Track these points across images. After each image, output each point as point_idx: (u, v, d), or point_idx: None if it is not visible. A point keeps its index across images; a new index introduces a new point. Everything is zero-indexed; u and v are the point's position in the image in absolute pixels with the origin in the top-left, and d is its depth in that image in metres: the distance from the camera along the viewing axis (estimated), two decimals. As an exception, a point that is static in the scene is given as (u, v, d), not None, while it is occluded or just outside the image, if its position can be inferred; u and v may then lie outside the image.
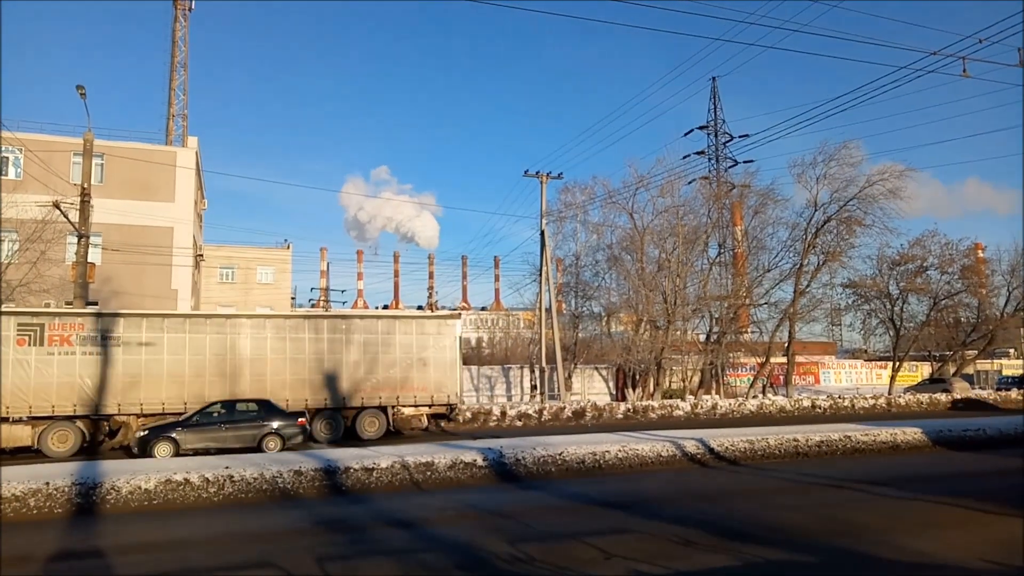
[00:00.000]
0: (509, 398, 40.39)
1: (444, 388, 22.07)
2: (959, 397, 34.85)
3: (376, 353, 21.55)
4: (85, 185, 22.51)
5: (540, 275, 34.45)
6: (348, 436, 20.89)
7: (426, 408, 21.96)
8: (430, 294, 58.90)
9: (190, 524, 9.80)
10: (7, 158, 31.50)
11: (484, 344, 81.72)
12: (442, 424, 23.72)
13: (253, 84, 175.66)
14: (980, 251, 49.63)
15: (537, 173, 33.52)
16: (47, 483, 10.79)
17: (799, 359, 42.46)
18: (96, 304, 26.70)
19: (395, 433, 21.33)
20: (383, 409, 21.37)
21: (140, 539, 8.89)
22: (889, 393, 37.19)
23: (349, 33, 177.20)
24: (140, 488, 11.13)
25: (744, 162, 65.74)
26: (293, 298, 75.09)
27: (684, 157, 50.78)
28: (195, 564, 7.59)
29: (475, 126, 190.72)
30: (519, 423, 27.01)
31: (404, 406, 21.67)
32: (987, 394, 37.58)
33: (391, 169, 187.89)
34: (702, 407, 30.63)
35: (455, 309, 25.37)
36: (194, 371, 19.95)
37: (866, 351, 67.56)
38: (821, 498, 11.02)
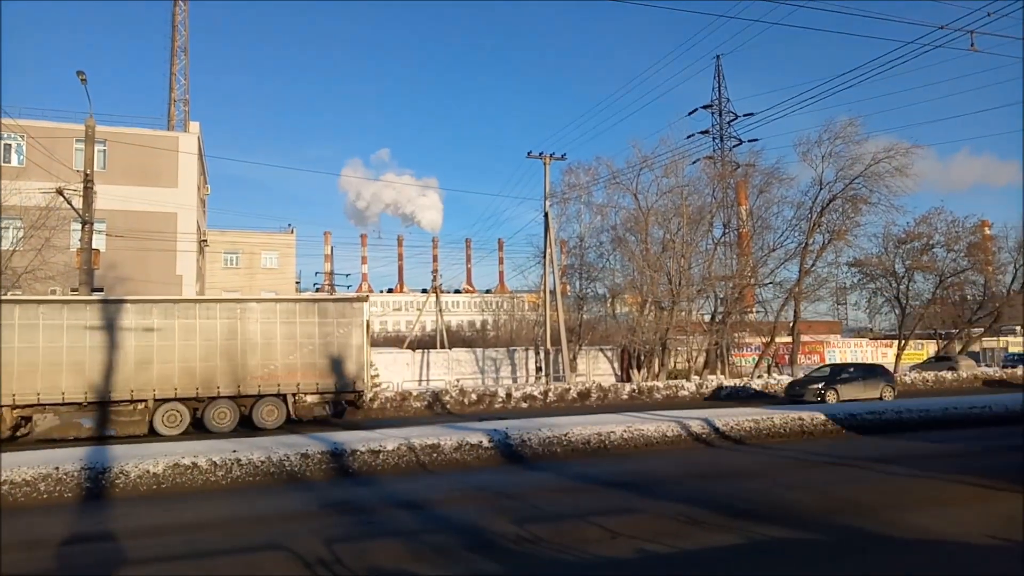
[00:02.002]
0: (514, 380, 40.49)
1: (349, 375, 21.03)
2: (994, 376, 35.12)
3: (275, 339, 20.53)
4: (88, 171, 22.48)
5: (544, 257, 34.37)
6: (245, 425, 19.96)
7: (331, 395, 21.03)
8: (434, 277, 58.88)
9: (199, 507, 9.88)
10: (10, 145, 31.49)
11: (489, 326, 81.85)
12: (351, 409, 22.30)
13: (254, 69, 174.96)
14: (987, 228, 49.36)
15: (540, 154, 33.32)
16: (57, 468, 10.89)
17: (804, 338, 42.42)
18: (102, 290, 26.78)
19: (296, 422, 20.32)
20: (282, 397, 20.41)
21: (150, 523, 8.97)
22: (895, 372, 37.15)
23: (349, 16, 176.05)
24: (149, 472, 11.22)
25: (749, 141, 65.01)
26: (298, 283, 75.25)
27: (688, 136, 50.56)
28: (205, 547, 7.65)
29: (477, 108, 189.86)
30: (524, 405, 27.12)
31: (306, 394, 20.69)
32: (993, 372, 37.54)
33: (393, 153, 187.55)
34: (707, 387, 30.69)
35: (361, 293, 23.68)
36: (72, 361, 18.71)
37: (871, 330, 67.47)
38: (826, 476, 11.06)
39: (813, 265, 36.61)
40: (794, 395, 25.64)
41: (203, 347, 19.94)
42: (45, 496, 10.50)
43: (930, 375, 34.91)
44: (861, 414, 17.16)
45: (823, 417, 16.57)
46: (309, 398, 20.77)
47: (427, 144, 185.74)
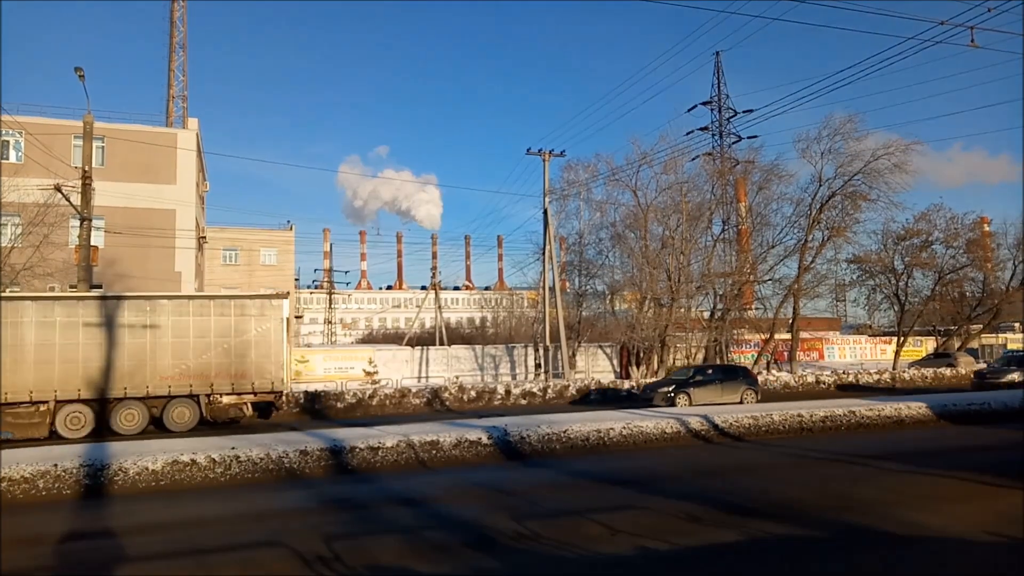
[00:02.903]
0: (513, 377, 40.50)
1: (267, 374, 20.31)
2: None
3: (187, 337, 19.80)
4: (86, 168, 22.43)
5: (543, 254, 34.37)
6: (158, 427, 19.41)
7: (250, 396, 20.30)
8: (433, 274, 58.86)
9: (198, 504, 9.88)
10: (8, 142, 31.42)
11: (488, 323, 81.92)
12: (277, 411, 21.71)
13: (253, 65, 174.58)
14: (986, 224, 49.38)
15: (539, 151, 33.30)
16: (55, 465, 10.88)
17: (803, 335, 42.39)
18: (100, 287, 26.76)
19: (211, 423, 19.80)
20: (195, 398, 19.73)
21: (149, 520, 8.95)
22: (893, 368, 37.18)
23: (348, 12, 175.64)
24: (147, 469, 11.21)
25: (748, 138, 64.94)
26: (297, 279, 75.26)
27: (688, 133, 50.40)
28: (204, 543, 7.64)
29: (477, 105, 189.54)
30: (523, 401, 27.13)
31: (221, 394, 19.95)
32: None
33: (392, 150, 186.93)
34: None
35: (282, 290, 22.31)
36: None
37: (871, 326, 67.51)
38: (826, 473, 11.06)
39: (812, 262, 36.62)
40: (646, 398, 23.77)
41: (109, 346, 19.10)
42: (44, 493, 10.49)
43: (929, 372, 34.93)
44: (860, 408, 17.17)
45: (823, 414, 16.56)
46: (225, 399, 20.02)
47: (426, 141, 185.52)
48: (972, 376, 29.78)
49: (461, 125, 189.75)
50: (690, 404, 22.09)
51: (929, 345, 51.05)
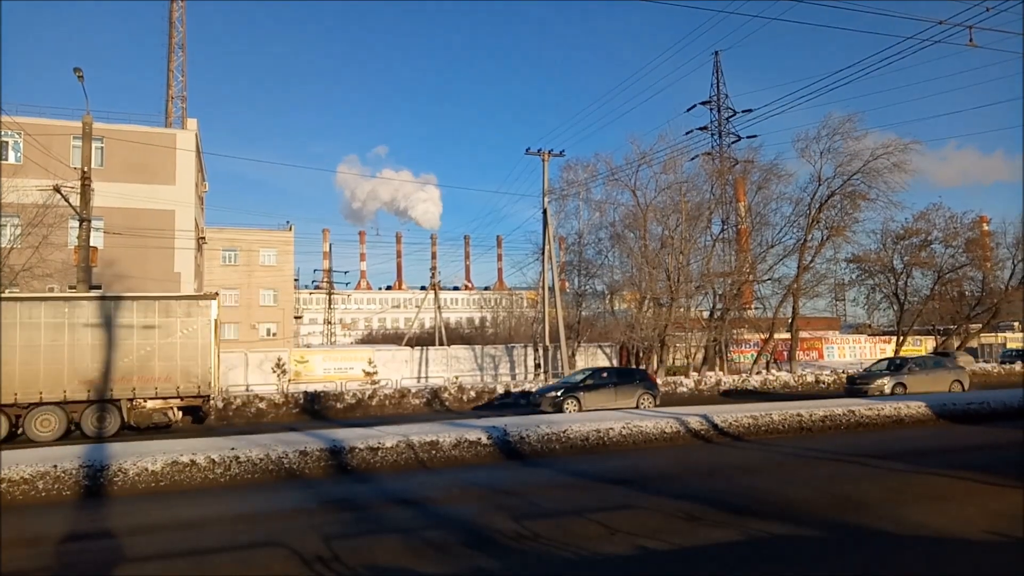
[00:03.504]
0: (513, 377, 40.50)
1: (194, 378, 19.78)
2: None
3: (108, 339, 19.19)
4: (85, 169, 22.44)
5: (543, 254, 34.36)
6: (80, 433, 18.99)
7: (176, 400, 19.73)
8: (433, 274, 58.85)
9: (197, 505, 9.88)
10: (7, 142, 31.41)
11: (487, 323, 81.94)
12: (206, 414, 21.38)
13: (252, 66, 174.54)
14: (985, 224, 49.39)
15: (539, 151, 33.31)
16: (55, 466, 10.87)
17: (803, 334, 42.44)
18: (100, 288, 26.74)
19: (134, 429, 19.38)
20: (115, 403, 19.17)
21: (148, 520, 8.95)
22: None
23: (347, 13, 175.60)
24: (147, 470, 11.21)
25: (747, 137, 65.09)
26: (296, 280, 75.25)
27: (687, 133, 50.44)
28: (204, 544, 7.64)
29: (476, 105, 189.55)
30: (523, 402, 27.12)
31: (144, 398, 19.41)
32: (991, 367, 37.58)
33: (391, 150, 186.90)
34: (706, 383, 30.74)
35: (210, 291, 21.18)
36: None
37: (870, 326, 67.52)
38: (825, 472, 11.06)
39: (812, 261, 36.66)
40: (534, 403, 22.64)
41: (23, 349, 18.54)
42: (44, 494, 10.49)
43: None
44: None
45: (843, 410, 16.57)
46: (149, 403, 19.48)
47: (425, 141, 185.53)
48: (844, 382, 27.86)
49: (460, 125, 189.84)
50: (580, 410, 21.13)
51: (929, 344, 51.07)
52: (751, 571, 6.39)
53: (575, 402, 21.60)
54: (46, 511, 9.64)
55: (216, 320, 20.30)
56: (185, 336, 19.91)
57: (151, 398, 19.52)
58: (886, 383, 23.70)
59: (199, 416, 20.68)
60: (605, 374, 23.68)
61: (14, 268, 25.76)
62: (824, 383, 31.54)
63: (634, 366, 38.14)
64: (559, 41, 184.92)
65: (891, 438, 14.92)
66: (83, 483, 10.79)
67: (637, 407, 21.52)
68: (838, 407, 17.32)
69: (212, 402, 20.61)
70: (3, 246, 25.91)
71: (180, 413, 20.08)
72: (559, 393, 21.91)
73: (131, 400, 19.32)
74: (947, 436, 15.19)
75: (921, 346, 52.03)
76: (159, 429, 19.53)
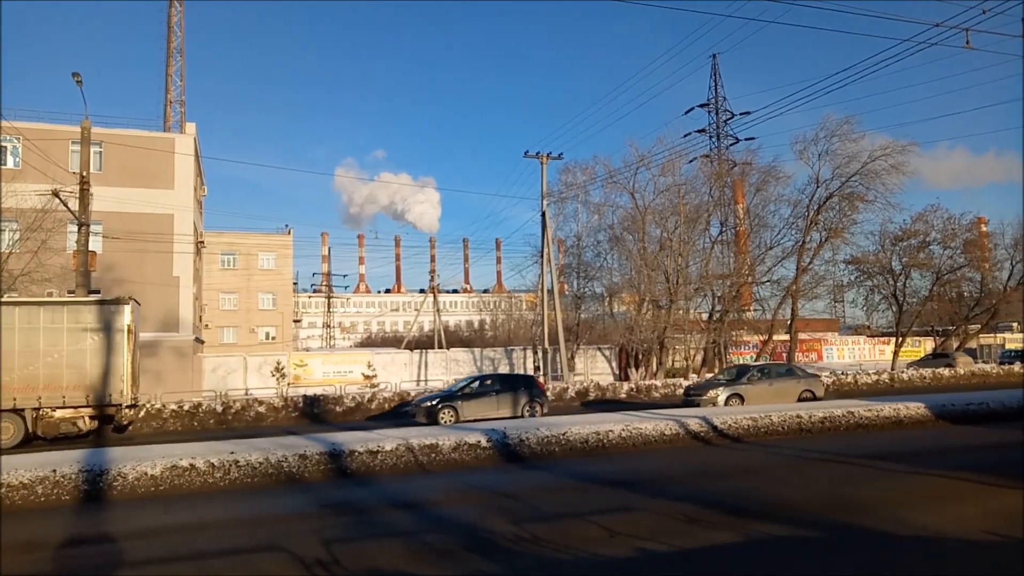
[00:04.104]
0: (512, 380, 40.43)
1: (105, 387, 18.82)
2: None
3: (12, 346, 18.28)
4: (84, 173, 22.44)
5: (542, 256, 34.41)
6: None
7: (86, 410, 18.75)
8: (432, 277, 58.89)
9: (197, 509, 9.86)
10: (5, 147, 31.41)
11: (487, 326, 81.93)
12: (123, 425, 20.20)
13: (250, 70, 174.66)
14: (983, 225, 49.44)
15: (537, 154, 33.36)
16: (54, 471, 10.86)
17: (802, 336, 42.53)
18: (99, 292, 26.73)
19: (42, 440, 18.53)
20: (19, 412, 18.24)
21: (148, 525, 8.94)
22: (892, 369, 37.23)
23: (343, 16, 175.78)
24: (146, 474, 11.20)
25: (745, 140, 65.25)
26: (295, 283, 75.28)
27: (685, 135, 50.61)
28: (204, 548, 7.64)
29: (474, 108, 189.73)
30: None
31: (52, 408, 18.49)
32: (990, 368, 37.62)
33: (389, 154, 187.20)
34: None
35: (123, 295, 19.54)
36: None
37: (869, 327, 67.64)
38: (825, 474, 11.06)
39: (810, 263, 36.74)
40: (411, 414, 21.65)
41: None
42: (43, 499, 10.47)
43: (927, 372, 34.96)
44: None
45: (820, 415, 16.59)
46: (58, 413, 18.55)
47: (423, 144, 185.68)
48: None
49: (459, 128, 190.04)
50: (457, 420, 19.95)
51: (928, 345, 51.14)
52: (751, 573, 6.39)
53: (451, 412, 20.32)
54: (45, 516, 9.62)
55: (130, 326, 19.31)
56: (96, 343, 18.93)
57: (59, 407, 18.58)
58: (720, 394, 21.61)
59: (119, 426, 19.86)
60: (489, 381, 22.16)
61: (13, 273, 25.76)
62: (823, 384, 31.49)
63: (631, 368, 38.18)
64: (557, 44, 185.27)
65: (890, 439, 14.93)
66: (82, 487, 10.77)
67: (521, 416, 20.47)
68: (837, 408, 17.33)
69: (129, 411, 19.75)
70: (3, 251, 25.92)
71: (93, 422, 19.17)
72: (435, 402, 20.64)
73: (36, 410, 18.42)
74: (946, 436, 15.19)
75: (920, 347, 52.12)
76: (71, 439, 18.72)
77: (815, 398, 22.44)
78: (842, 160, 35.07)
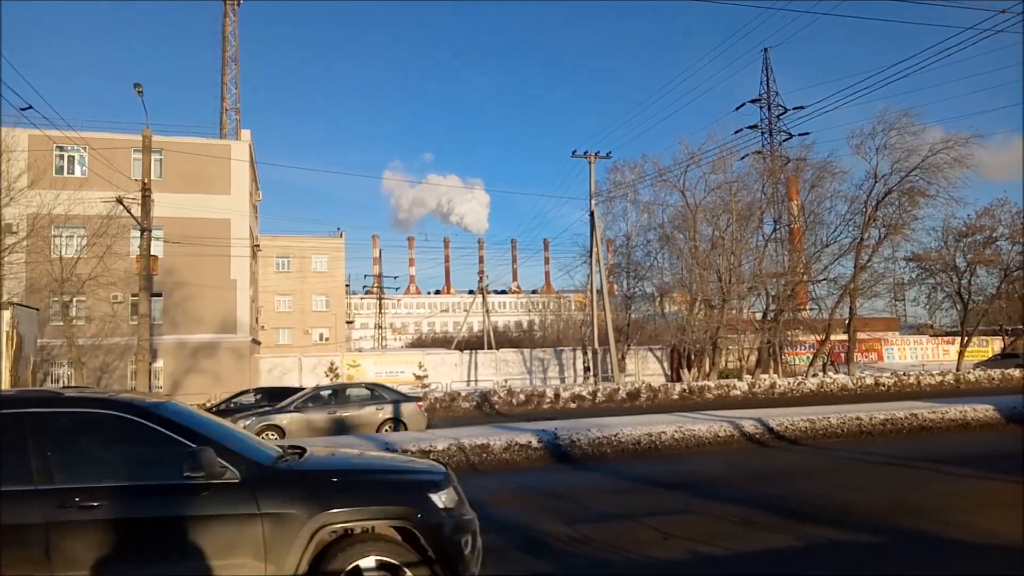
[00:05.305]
0: (562, 380, 40.42)
1: None
2: None
3: None
4: (146, 180, 23.22)
5: (590, 256, 34.25)
6: None
7: None
8: (481, 278, 59.22)
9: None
10: (73, 157, 32.76)
11: (535, 327, 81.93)
12: None
13: (302, 76, 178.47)
14: (1055, 219, 47.12)
15: (585, 153, 33.22)
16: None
17: (861, 336, 41.27)
18: (160, 295, 27.68)
19: None
20: None
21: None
22: (957, 369, 35.87)
23: (393, 22, 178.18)
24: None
25: (799, 135, 63.52)
26: (347, 285, 76.57)
27: (736, 132, 49.51)
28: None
29: (521, 109, 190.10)
30: (573, 405, 27.03)
31: None
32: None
33: (438, 156, 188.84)
34: (760, 386, 30.14)
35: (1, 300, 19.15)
36: None
37: (931, 326, 65.25)
38: (886, 477, 10.72)
39: (869, 260, 35.63)
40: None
41: None
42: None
43: (996, 373, 33.57)
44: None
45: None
46: None
47: (471, 146, 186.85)
48: None
49: (506, 129, 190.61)
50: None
51: (996, 345, 49.15)
52: (809, 578, 6.23)
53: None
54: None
55: (9, 332, 17.98)
56: None
57: None
58: (252, 424, 16.58)
59: None
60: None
61: (81, 277, 26.85)
62: (884, 386, 30.60)
63: (683, 369, 37.69)
64: (604, 42, 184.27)
65: (956, 442, 14.37)
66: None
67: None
68: (899, 410, 16.77)
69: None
70: (72, 256, 27.02)
71: None
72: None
73: None
74: (1016, 441, 14.55)
75: (988, 347, 50.15)
76: None
77: (406, 428, 17.43)
78: (901, 154, 33.94)
